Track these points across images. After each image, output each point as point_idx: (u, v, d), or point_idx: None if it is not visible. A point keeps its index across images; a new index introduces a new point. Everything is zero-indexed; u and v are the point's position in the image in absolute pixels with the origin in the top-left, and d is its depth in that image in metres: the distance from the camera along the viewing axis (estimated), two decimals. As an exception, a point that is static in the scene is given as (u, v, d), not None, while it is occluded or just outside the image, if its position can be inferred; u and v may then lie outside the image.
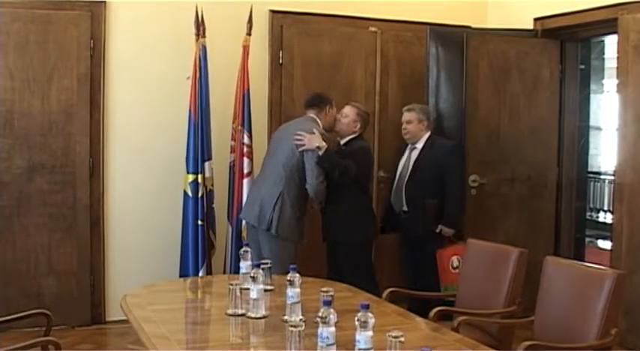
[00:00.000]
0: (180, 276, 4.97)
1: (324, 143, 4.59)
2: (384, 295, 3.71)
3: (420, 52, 5.71)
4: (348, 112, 4.86)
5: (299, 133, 4.64)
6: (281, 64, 5.60)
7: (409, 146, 5.01)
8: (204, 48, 5.00)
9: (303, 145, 4.61)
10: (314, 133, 4.61)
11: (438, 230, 4.82)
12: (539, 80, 5.66)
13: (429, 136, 4.97)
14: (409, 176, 4.89)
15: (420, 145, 4.95)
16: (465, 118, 5.51)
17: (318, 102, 4.85)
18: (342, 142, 4.87)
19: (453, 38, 5.53)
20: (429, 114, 5.04)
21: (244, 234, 5.03)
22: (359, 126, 4.87)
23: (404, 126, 4.98)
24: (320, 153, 4.57)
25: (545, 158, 5.72)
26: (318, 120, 4.78)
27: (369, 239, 4.95)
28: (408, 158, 4.98)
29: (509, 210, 5.65)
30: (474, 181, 5.49)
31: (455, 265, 4.71)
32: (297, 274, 3.05)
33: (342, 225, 4.76)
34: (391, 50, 5.89)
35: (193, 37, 5.00)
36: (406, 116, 4.99)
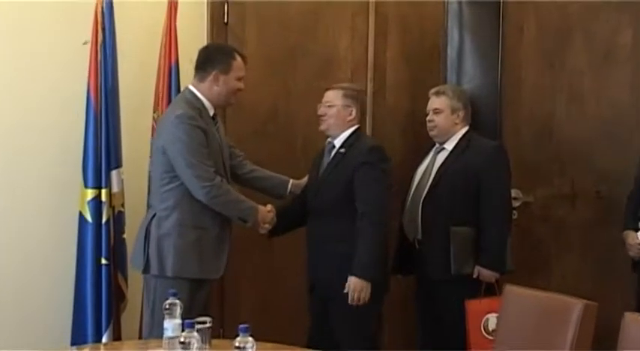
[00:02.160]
0: (73, 344, 4.94)
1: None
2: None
3: (436, 9, 5.78)
4: (332, 99, 4.91)
5: None
6: (226, 24, 5.64)
7: (435, 147, 5.13)
8: (110, 0, 5.02)
9: None
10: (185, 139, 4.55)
11: (475, 274, 4.88)
12: (615, 49, 5.62)
13: (466, 133, 5.07)
14: (429, 190, 4.98)
15: (450, 146, 5.08)
16: (502, 105, 5.57)
17: (200, 62, 4.79)
18: (337, 143, 4.90)
19: (484, -13, 5.59)
20: (467, 100, 5.16)
21: None
22: (354, 112, 4.90)
23: (430, 117, 5.09)
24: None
25: (623, 166, 5.61)
26: (197, 93, 4.70)
27: (383, 291, 4.88)
28: (431, 164, 5.10)
29: (569, 242, 5.66)
30: (514, 198, 5.49)
31: (492, 327, 4.77)
32: (250, 338, 3.06)
33: (340, 268, 4.69)
34: (391, 5, 5.92)
35: (92, -18, 5.03)
36: (434, 102, 5.11)
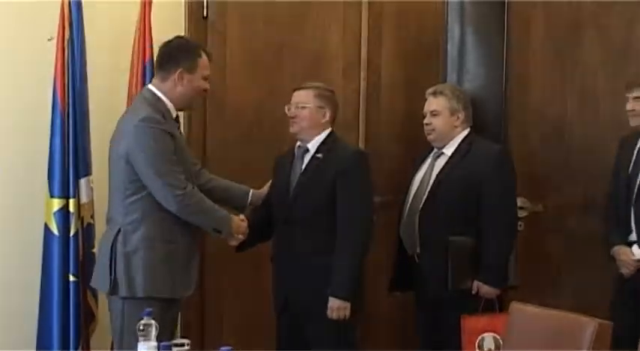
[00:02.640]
0: (37, 368, 4.90)
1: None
2: None
3: (435, 3, 5.78)
4: (304, 99, 4.88)
5: None
6: (205, 18, 5.66)
7: (434, 152, 5.13)
8: (78, -7, 5.05)
9: None
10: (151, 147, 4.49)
11: (474, 290, 4.90)
12: (631, 45, 5.63)
13: (466, 137, 5.08)
14: (427, 199, 4.97)
15: (449, 151, 5.08)
16: (507, 107, 5.56)
17: (162, 60, 4.72)
18: (311, 147, 4.89)
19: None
20: (467, 101, 5.16)
21: None
22: (328, 113, 4.89)
23: (427, 119, 5.09)
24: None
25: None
26: (159, 94, 4.62)
27: (362, 302, 4.93)
28: (429, 171, 5.09)
29: (581, 255, 5.63)
30: (521, 208, 5.47)
31: (487, 347, 4.78)
32: None
33: (320, 282, 4.70)
34: (386, -2, 5.92)
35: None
36: (431, 104, 5.10)
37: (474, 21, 5.63)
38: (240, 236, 4.71)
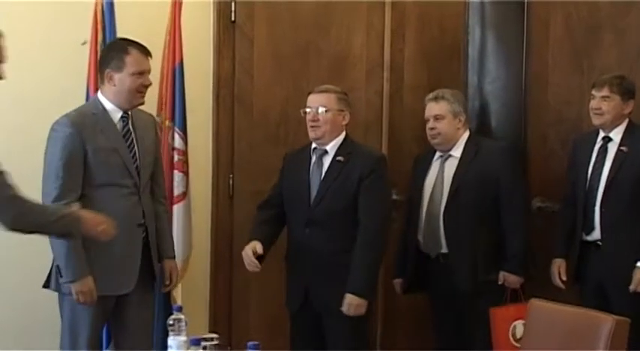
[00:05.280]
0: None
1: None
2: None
3: (456, 4, 5.82)
4: (326, 103, 4.82)
5: None
6: (234, 23, 5.66)
7: (437, 155, 5.16)
8: None
9: None
10: None
11: (500, 281, 4.96)
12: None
13: (470, 137, 5.10)
14: (448, 201, 5.01)
15: (457, 153, 5.09)
16: (527, 107, 5.61)
17: (99, 63, 4.71)
18: (330, 149, 4.86)
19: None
20: (466, 104, 5.22)
21: (175, 292, 5.10)
22: (347, 117, 4.88)
23: (431, 124, 5.08)
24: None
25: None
26: (100, 97, 4.58)
27: (373, 307, 4.99)
28: (440, 173, 5.10)
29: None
30: (539, 208, 5.55)
31: (519, 334, 4.77)
32: None
33: (343, 281, 4.69)
34: (409, 1, 5.95)
35: (91, -20, 5.05)
36: (433, 109, 5.08)
37: (494, 23, 5.66)
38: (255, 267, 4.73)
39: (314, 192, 4.81)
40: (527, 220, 5.08)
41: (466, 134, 5.09)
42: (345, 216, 4.72)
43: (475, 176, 4.97)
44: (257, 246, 4.73)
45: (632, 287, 4.70)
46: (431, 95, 5.12)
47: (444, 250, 4.99)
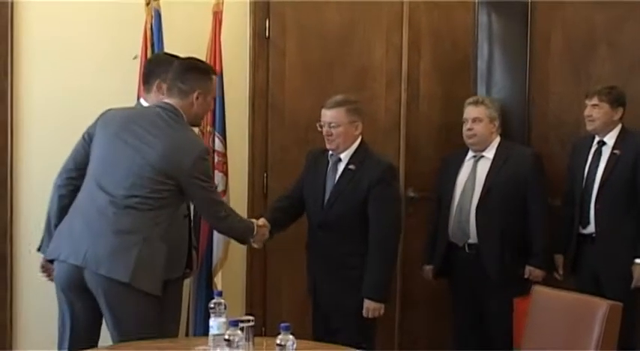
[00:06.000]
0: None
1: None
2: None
3: (466, 21, 5.89)
4: (336, 119, 4.73)
5: None
6: (268, 38, 5.72)
7: (470, 155, 5.27)
8: (159, 15, 5.09)
9: None
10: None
11: (526, 275, 5.07)
12: (640, 60, 5.63)
13: (501, 142, 5.24)
14: (481, 197, 5.12)
15: (490, 154, 5.22)
16: (530, 114, 5.69)
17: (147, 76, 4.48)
18: (344, 157, 4.81)
19: (512, 1, 5.69)
20: (500, 111, 5.28)
21: (216, 279, 5.14)
22: (360, 126, 4.81)
23: (469, 126, 5.18)
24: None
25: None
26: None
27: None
28: (473, 172, 5.22)
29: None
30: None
31: None
32: (291, 336, 3.08)
33: (350, 285, 4.68)
34: (424, 18, 5.97)
35: (142, 1, 5.07)
36: (472, 112, 5.18)
37: (500, 38, 5.71)
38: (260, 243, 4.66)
39: (327, 196, 4.78)
40: (548, 220, 5.16)
41: (498, 138, 5.21)
42: (354, 221, 4.66)
43: (506, 178, 5.08)
44: (261, 219, 4.63)
45: (633, 284, 4.82)
46: (471, 99, 5.26)
47: (473, 240, 5.09)
